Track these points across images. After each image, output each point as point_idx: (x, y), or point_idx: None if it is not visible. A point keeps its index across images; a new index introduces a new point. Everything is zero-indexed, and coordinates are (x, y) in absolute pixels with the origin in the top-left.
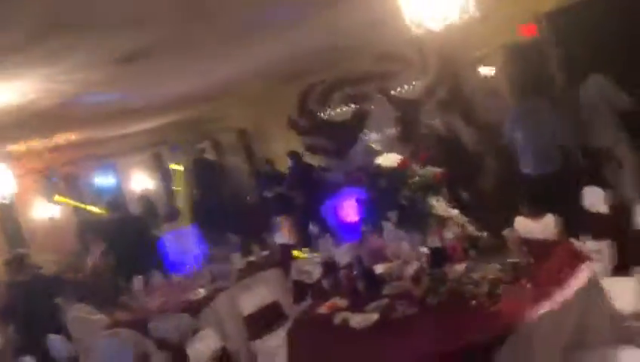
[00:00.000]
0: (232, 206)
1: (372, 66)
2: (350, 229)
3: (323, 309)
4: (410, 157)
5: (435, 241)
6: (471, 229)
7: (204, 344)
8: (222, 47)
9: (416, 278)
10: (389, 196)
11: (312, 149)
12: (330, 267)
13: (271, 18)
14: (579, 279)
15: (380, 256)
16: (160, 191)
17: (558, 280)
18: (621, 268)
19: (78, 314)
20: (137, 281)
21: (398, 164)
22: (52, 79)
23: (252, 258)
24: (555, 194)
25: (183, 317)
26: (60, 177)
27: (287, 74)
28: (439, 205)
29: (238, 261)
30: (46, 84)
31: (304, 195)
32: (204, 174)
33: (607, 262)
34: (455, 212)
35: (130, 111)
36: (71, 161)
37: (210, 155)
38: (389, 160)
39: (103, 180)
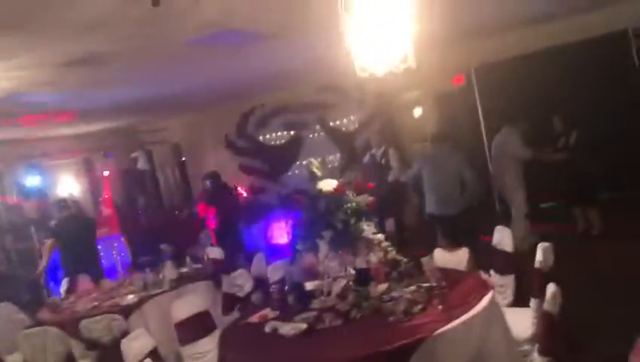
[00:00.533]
0: (162, 217)
1: (313, 96)
2: (278, 251)
3: (254, 319)
4: (345, 184)
5: (361, 263)
6: (393, 254)
7: (137, 343)
8: (167, 62)
9: (342, 295)
10: (325, 217)
11: (246, 170)
12: (260, 282)
13: (219, 42)
14: (482, 304)
15: (310, 274)
16: (87, 197)
17: (465, 303)
18: (521, 300)
19: (1, 311)
20: (65, 283)
21: (336, 190)
22: None
23: (184, 269)
24: (465, 231)
25: (114, 319)
26: None
27: (229, 95)
28: (369, 229)
29: (169, 271)
30: None
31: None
32: (134, 183)
33: (510, 294)
34: (381, 237)
35: (68, 114)
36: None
37: (142, 166)
38: (328, 185)
39: (31, 180)
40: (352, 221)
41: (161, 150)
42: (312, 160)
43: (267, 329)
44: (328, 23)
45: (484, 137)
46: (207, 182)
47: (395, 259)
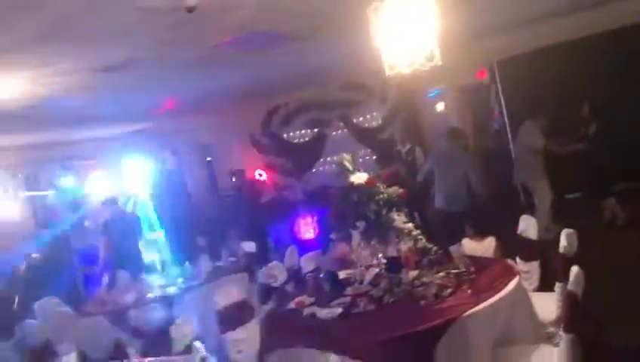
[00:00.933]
0: (196, 214)
1: (335, 94)
2: (305, 245)
3: (292, 305)
4: (376, 177)
5: (392, 251)
6: (423, 242)
7: (186, 328)
8: (194, 66)
9: (375, 282)
10: (358, 208)
11: (271, 167)
12: (294, 273)
13: (248, 44)
14: (509, 288)
15: (343, 263)
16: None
17: (493, 288)
18: (546, 285)
19: (46, 304)
20: (106, 278)
21: (367, 182)
22: (36, 82)
23: (220, 263)
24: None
25: (159, 308)
26: (22, 175)
27: (254, 94)
28: (399, 219)
29: (205, 264)
30: (30, 86)
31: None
32: (170, 183)
33: (535, 280)
34: (411, 226)
35: (100, 117)
36: (35, 161)
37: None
38: (359, 178)
39: (65, 182)
40: (384, 211)
41: (189, 150)
42: (344, 155)
43: (305, 313)
44: (354, 23)
45: (508, 130)
46: (234, 179)
47: (425, 248)
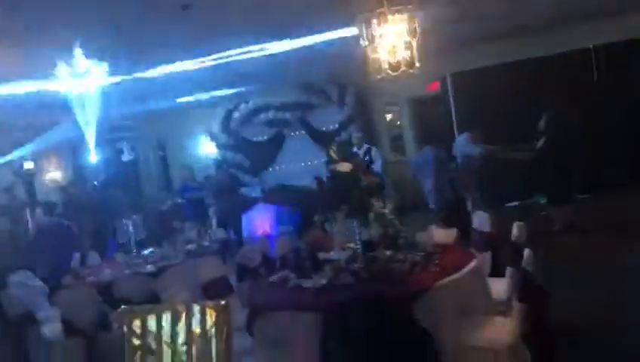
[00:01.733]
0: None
1: (295, 96)
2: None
3: (274, 278)
4: (356, 166)
5: (365, 235)
6: (397, 226)
7: (181, 297)
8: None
9: (352, 259)
10: (342, 193)
11: (228, 164)
12: (267, 257)
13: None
14: (469, 268)
15: (320, 246)
16: None
17: (456, 268)
18: (496, 272)
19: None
20: (77, 257)
21: (350, 170)
22: None
23: (191, 246)
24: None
25: (144, 281)
26: None
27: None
28: (377, 205)
29: (181, 246)
30: None
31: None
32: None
33: (487, 267)
34: (387, 211)
35: None
36: None
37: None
38: (344, 167)
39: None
40: (365, 197)
41: (144, 143)
42: (332, 146)
43: (291, 284)
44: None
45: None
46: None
47: (395, 234)
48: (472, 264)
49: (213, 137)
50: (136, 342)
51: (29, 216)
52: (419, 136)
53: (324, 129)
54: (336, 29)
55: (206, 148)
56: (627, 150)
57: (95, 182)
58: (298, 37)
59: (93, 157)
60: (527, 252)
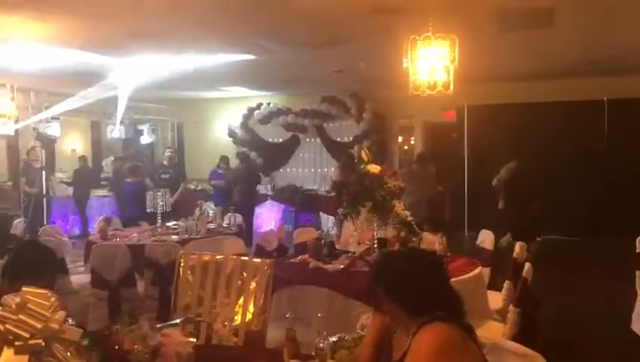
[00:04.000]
0: None
1: (316, 105)
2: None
3: (295, 260)
4: (385, 170)
5: (381, 233)
6: (414, 227)
7: None
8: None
9: (367, 251)
10: (369, 191)
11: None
12: (281, 244)
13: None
14: (473, 273)
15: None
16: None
17: (461, 271)
18: (492, 286)
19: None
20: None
21: (380, 172)
22: None
23: (212, 225)
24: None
25: (174, 246)
26: None
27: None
28: (399, 206)
29: (203, 223)
30: None
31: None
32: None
33: (486, 280)
34: (407, 213)
35: None
36: None
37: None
38: (374, 168)
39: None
40: (388, 197)
41: (164, 126)
42: (364, 148)
43: (311, 266)
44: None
45: (466, 165)
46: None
47: (407, 236)
48: (476, 271)
49: (231, 131)
50: (190, 278)
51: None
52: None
53: (338, 139)
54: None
55: (222, 140)
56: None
57: (112, 158)
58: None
59: (115, 133)
60: (527, 265)
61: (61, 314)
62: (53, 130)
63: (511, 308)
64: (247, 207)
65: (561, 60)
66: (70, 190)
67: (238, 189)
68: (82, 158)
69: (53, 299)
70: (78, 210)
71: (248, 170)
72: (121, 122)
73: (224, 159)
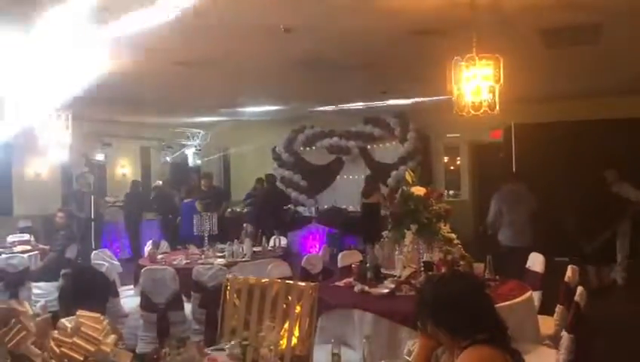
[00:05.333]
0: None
1: (359, 126)
2: None
3: (340, 283)
4: (431, 192)
5: (427, 257)
6: (461, 250)
7: None
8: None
9: (413, 275)
10: (414, 214)
11: (286, 182)
12: (326, 267)
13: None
14: (523, 297)
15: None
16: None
17: (511, 295)
18: (543, 311)
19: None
20: (150, 244)
21: (425, 194)
22: None
23: (258, 248)
24: None
25: (221, 269)
26: None
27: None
28: (445, 229)
29: (248, 246)
30: None
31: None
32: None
33: (537, 306)
34: (454, 236)
35: None
36: None
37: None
38: (419, 190)
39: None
40: (434, 220)
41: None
42: (408, 170)
43: (356, 289)
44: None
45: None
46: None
47: (454, 259)
48: (526, 295)
49: (275, 154)
50: (236, 302)
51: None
52: (475, 177)
53: (382, 161)
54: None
55: (267, 163)
56: None
57: (160, 182)
58: None
59: (163, 158)
60: (580, 289)
61: (113, 337)
62: (101, 155)
63: (564, 333)
64: (274, 228)
65: (609, 77)
66: (120, 214)
67: (265, 211)
68: (134, 183)
69: (105, 322)
70: (130, 233)
71: (271, 191)
72: (169, 147)
73: (259, 181)
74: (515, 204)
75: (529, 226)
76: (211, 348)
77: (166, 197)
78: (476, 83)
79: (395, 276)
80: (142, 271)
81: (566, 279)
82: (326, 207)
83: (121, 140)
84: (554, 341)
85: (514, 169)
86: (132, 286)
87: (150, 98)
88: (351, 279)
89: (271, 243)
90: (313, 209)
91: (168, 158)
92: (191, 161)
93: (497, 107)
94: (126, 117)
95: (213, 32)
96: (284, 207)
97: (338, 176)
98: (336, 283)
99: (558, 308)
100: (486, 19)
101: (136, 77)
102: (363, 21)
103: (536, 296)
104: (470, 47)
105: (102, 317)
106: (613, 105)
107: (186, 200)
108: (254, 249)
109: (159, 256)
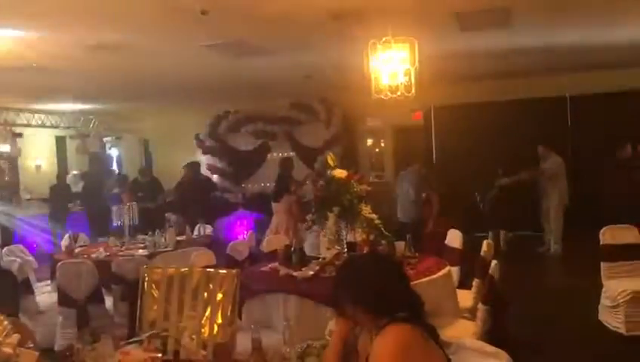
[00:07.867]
0: None
1: (285, 111)
2: None
3: (266, 268)
4: (351, 174)
5: (350, 238)
6: (382, 230)
7: None
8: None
9: (337, 256)
10: (336, 197)
11: (211, 169)
12: (252, 252)
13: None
14: (441, 273)
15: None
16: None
17: (430, 271)
18: (462, 285)
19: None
20: (67, 237)
21: (346, 177)
22: None
23: (182, 237)
24: None
25: (141, 261)
26: None
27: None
28: (366, 210)
29: (171, 236)
30: None
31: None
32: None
33: (455, 280)
34: (375, 216)
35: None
36: None
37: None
38: (340, 173)
39: None
40: (355, 201)
41: (131, 139)
42: (330, 153)
43: (281, 273)
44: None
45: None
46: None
47: (376, 239)
48: (444, 270)
49: (199, 141)
50: (155, 293)
51: None
52: (398, 160)
53: (308, 145)
54: (339, 51)
55: (191, 150)
56: None
57: (74, 172)
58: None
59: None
60: (494, 263)
61: (15, 337)
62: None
63: (479, 305)
64: (199, 216)
65: (522, 59)
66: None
67: (188, 200)
68: (59, 176)
69: (5, 322)
70: (54, 226)
71: (194, 178)
72: (87, 135)
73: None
74: (404, 183)
75: (416, 204)
76: (130, 340)
77: (95, 188)
78: (393, 66)
79: (320, 258)
80: (58, 265)
81: (482, 253)
82: (254, 192)
83: (33, 130)
84: (472, 313)
85: (434, 150)
86: (49, 282)
87: (64, 84)
88: (276, 264)
89: (195, 231)
90: (240, 195)
91: (91, 149)
92: (111, 151)
93: (414, 89)
94: (38, 104)
95: (126, 13)
96: (209, 195)
97: (269, 156)
98: (262, 269)
99: (475, 282)
100: (402, 3)
101: (47, 61)
102: (282, 4)
103: (455, 271)
104: (386, 31)
105: (1, 318)
106: (527, 85)
107: (115, 191)
108: (178, 238)
109: (77, 250)
